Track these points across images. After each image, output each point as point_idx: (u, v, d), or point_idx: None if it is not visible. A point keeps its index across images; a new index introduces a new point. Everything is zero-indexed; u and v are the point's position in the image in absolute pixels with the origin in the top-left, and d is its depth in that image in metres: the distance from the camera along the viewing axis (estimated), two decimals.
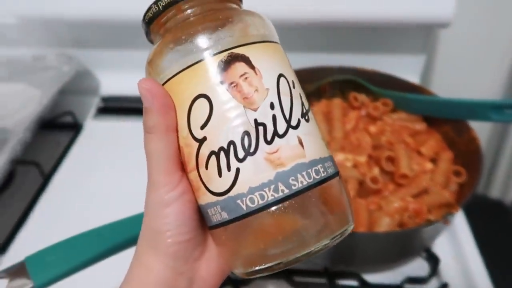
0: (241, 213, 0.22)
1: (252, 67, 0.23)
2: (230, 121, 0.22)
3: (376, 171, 0.47)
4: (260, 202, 0.21)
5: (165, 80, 0.23)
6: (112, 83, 0.73)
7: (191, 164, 0.23)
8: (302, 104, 0.24)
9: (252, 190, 0.21)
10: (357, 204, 0.44)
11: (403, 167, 0.46)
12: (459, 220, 0.51)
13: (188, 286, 0.24)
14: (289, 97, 0.23)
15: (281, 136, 0.22)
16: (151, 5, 0.24)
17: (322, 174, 0.23)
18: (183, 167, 0.24)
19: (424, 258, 0.48)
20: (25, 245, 0.50)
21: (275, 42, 0.25)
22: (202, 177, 0.23)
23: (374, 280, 0.46)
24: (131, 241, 0.31)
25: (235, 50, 0.22)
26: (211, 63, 0.22)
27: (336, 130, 0.52)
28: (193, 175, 0.23)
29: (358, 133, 0.52)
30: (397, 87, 0.56)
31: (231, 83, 0.22)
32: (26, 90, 0.63)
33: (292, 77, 0.24)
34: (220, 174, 0.22)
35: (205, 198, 0.23)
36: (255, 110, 0.22)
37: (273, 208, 0.21)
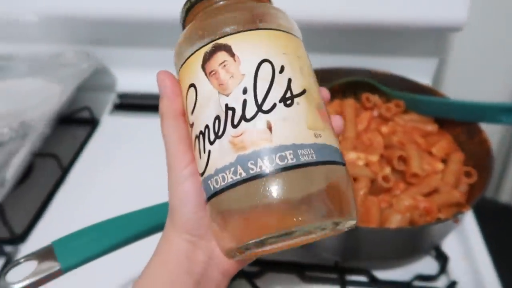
0: (210, 193, 0.23)
1: (232, 54, 0.24)
2: (207, 107, 0.23)
3: (387, 170, 0.48)
4: (222, 183, 0.22)
5: (177, 70, 0.27)
6: (128, 80, 0.74)
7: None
8: (288, 89, 0.23)
9: (217, 172, 0.23)
10: (369, 202, 0.45)
11: (414, 166, 0.47)
12: (469, 220, 0.52)
13: (206, 260, 0.26)
14: (269, 82, 0.23)
15: (248, 120, 0.22)
16: None
17: (289, 161, 0.22)
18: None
19: (434, 257, 0.49)
20: (43, 235, 0.52)
21: (279, 30, 0.25)
22: (195, 158, 0.25)
23: (383, 277, 0.47)
24: (155, 229, 0.32)
25: (219, 41, 0.24)
26: (199, 55, 0.24)
27: (348, 130, 0.53)
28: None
29: (370, 133, 0.53)
30: (409, 89, 0.57)
31: (211, 71, 0.24)
32: (46, 86, 0.65)
33: (285, 62, 0.24)
34: (200, 156, 0.24)
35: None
36: (227, 95, 0.23)
37: (232, 189, 0.22)
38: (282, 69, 0.24)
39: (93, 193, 0.57)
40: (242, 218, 0.22)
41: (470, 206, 0.43)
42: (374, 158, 0.48)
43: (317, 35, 0.67)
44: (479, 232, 0.51)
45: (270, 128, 0.22)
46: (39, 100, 0.62)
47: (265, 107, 0.23)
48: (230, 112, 0.23)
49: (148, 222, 0.32)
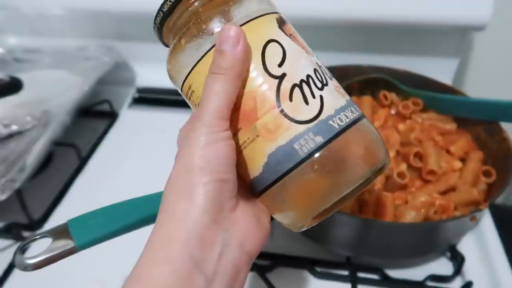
0: (334, 131, 0.24)
1: (293, 31, 0.27)
2: (303, 60, 0.26)
3: (403, 166, 0.47)
4: (347, 120, 0.25)
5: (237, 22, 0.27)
6: (147, 75, 0.76)
7: (266, 104, 0.24)
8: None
9: (337, 112, 0.25)
10: (384, 197, 0.44)
11: (431, 163, 0.46)
12: (487, 221, 0.51)
13: (226, 240, 0.23)
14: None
15: (331, 78, 0.27)
16: None
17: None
18: (242, 115, 0.25)
19: (448, 258, 0.48)
20: (60, 222, 0.53)
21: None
22: (286, 111, 0.24)
23: (396, 276, 0.46)
24: None
25: (280, 15, 0.27)
26: (271, 18, 0.26)
27: None
28: (271, 115, 0.24)
29: (386, 130, 0.52)
30: (429, 88, 0.56)
31: (290, 34, 0.26)
32: (68, 77, 0.67)
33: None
34: (307, 102, 0.25)
35: (291, 133, 0.24)
36: (312, 56, 0.27)
37: (357, 124, 0.25)
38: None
39: (110, 184, 0.58)
40: (365, 145, 0.25)
41: (489, 204, 0.41)
42: (390, 154, 0.47)
43: (337, 33, 0.67)
44: (497, 235, 0.50)
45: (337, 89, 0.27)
46: (61, 90, 0.63)
47: (328, 74, 0.27)
48: (322, 68, 0.27)
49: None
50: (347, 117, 0.25)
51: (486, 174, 0.47)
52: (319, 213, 0.25)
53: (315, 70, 0.26)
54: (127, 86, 0.76)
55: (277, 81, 0.24)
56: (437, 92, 0.55)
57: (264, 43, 0.25)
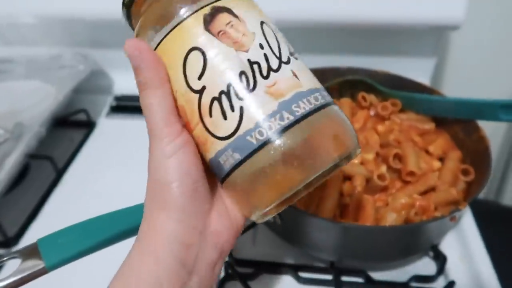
0: (252, 148, 0.23)
1: (235, 16, 0.24)
2: (225, 65, 0.23)
3: (383, 168, 0.47)
4: (269, 132, 0.22)
5: (155, 46, 0.25)
6: (125, 82, 0.74)
7: (194, 118, 0.24)
8: (287, 46, 0.25)
9: (259, 124, 0.23)
10: (364, 200, 0.44)
11: (410, 164, 0.46)
12: (467, 220, 0.51)
13: (200, 241, 0.24)
14: (275, 39, 0.25)
15: (275, 71, 0.24)
16: None
17: (321, 101, 0.24)
18: (184, 123, 0.25)
19: (431, 258, 0.48)
20: (36, 238, 0.51)
21: None
22: (208, 126, 0.24)
23: (380, 278, 0.46)
24: None
25: (217, 4, 0.24)
26: (197, 18, 0.24)
27: None
28: (199, 129, 0.24)
29: (366, 132, 0.52)
30: (407, 88, 0.56)
31: (219, 31, 0.24)
32: (42, 87, 0.65)
33: (273, 25, 0.26)
34: (225, 117, 0.23)
35: (215, 147, 0.24)
36: (246, 51, 0.23)
37: (282, 135, 0.23)
38: (275, 30, 0.26)
39: (88, 196, 0.57)
40: (293, 161, 0.23)
41: (468, 203, 0.42)
42: (370, 156, 0.47)
43: (315, 35, 0.67)
44: (478, 232, 0.50)
45: (295, 75, 0.24)
46: (34, 101, 0.62)
47: (284, 59, 0.24)
48: (255, 66, 0.23)
49: (136, 220, 0.32)
50: (270, 128, 0.22)
51: (465, 173, 0.47)
52: (284, 199, 0.24)
53: (241, 73, 0.23)
54: (104, 94, 0.75)
55: (197, 96, 0.24)
56: (415, 92, 0.56)
57: (185, 53, 0.24)
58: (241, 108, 0.23)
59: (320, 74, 0.57)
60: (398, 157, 0.48)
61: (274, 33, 0.25)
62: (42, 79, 0.67)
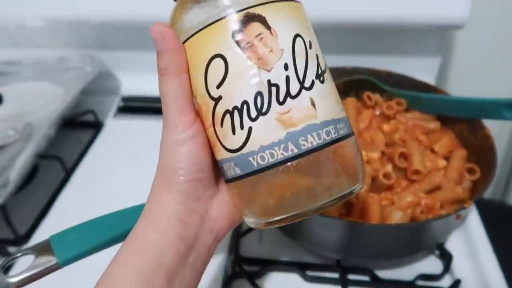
0: (252, 169, 0.23)
1: (268, 27, 0.23)
2: (245, 81, 0.22)
3: (389, 167, 0.47)
4: (270, 160, 0.22)
5: (184, 39, 0.24)
6: (132, 83, 0.75)
7: (208, 121, 0.24)
8: (318, 65, 0.24)
9: (263, 149, 0.23)
10: (370, 199, 0.44)
11: (416, 163, 0.47)
12: (473, 218, 0.51)
13: (199, 223, 0.26)
14: (304, 58, 0.23)
15: (293, 97, 0.23)
16: None
17: (333, 135, 0.23)
18: (196, 111, 0.25)
19: (437, 256, 0.48)
20: (46, 236, 0.52)
21: (295, 1, 0.25)
22: (217, 134, 0.24)
23: (386, 276, 0.46)
24: None
25: (252, 10, 0.23)
26: (228, 23, 0.23)
27: None
28: (210, 131, 0.25)
29: (371, 131, 0.53)
30: (412, 87, 0.57)
31: (247, 43, 0.22)
32: (50, 88, 0.66)
33: (309, 36, 0.24)
34: (234, 132, 0.23)
35: (221, 154, 0.24)
36: (269, 70, 0.22)
37: (282, 166, 0.22)
38: (310, 45, 0.24)
39: (96, 195, 0.57)
40: (289, 192, 0.23)
41: (473, 201, 0.42)
42: (375, 155, 0.48)
43: (320, 35, 0.67)
44: (484, 231, 0.50)
45: (313, 104, 0.23)
46: (43, 102, 0.63)
47: (306, 83, 0.23)
48: (274, 89, 0.22)
49: None
50: (273, 156, 0.22)
51: (470, 171, 0.48)
52: (271, 221, 0.24)
53: (258, 94, 0.22)
54: (111, 95, 0.76)
55: (213, 103, 0.23)
56: (419, 91, 0.56)
57: (209, 58, 0.23)
58: (250, 129, 0.23)
59: None
60: (404, 156, 0.48)
61: (306, 49, 0.24)
62: (50, 81, 0.67)
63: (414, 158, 0.47)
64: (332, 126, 0.23)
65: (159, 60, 0.24)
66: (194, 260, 0.26)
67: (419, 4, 0.60)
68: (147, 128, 0.68)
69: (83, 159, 0.64)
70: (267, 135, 0.22)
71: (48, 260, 0.30)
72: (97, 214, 0.33)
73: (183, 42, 0.24)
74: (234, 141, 0.23)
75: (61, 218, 0.55)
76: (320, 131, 0.23)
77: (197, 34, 0.23)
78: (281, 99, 0.22)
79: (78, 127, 0.69)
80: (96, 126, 0.70)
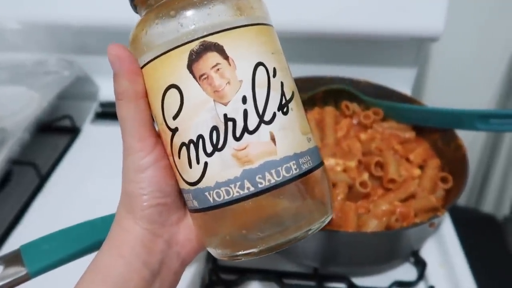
0: (208, 205, 0.22)
1: (226, 57, 0.21)
2: (200, 115, 0.21)
3: (365, 176, 0.48)
4: (226, 197, 0.22)
5: (142, 64, 0.23)
6: (110, 89, 0.72)
7: (168, 149, 0.24)
8: (282, 95, 0.22)
9: (218, 185, 0.22)
10: (346, 207, 0.45)
11: (391, 172, 0.48)
12: (446, 226, 0.52)
13: (165, 248, 0.25)
14: (266, 89, 0.22)
15: (251, 132, 0.21)
16: None
17: (294, 172, 0.22)
18: (158, 135, 0.24)
19: (412, 263, 0.49)
20: (18, 244, 0.51)
21: (262, 24, 0.23)
22: (176, 164, 0.23)
23: (363, 284, 0.47)
24: None
25: (209, 38, 0.21)
26: (183, 53, 0.21)
27: (328, 137, 0.54)
28: (171, 160, 0.24)
29: (349, 140, 0.53)
30: (389, 98, 0.58)
31: (202, 75, 0.21)
32: (26, 93, 0.65)
33: (274, 63, 0.23)
34: (190, 166, 0.22)
35: (181, 184, 0.24)
36: (225, 104, 0.21)
37: (238, 204, 0.21)
38: (274, 73, 0.22)
39: (71, 203, 0.56)
40: (248, 229, 0.22)
41: (446, 210, 0.43)
42: (352, 163, 0.48)
43: (299, 45, 0.68)
44: (457, 239, 0.51)
45: (273, 139, 0.22)
46: (18, 107, 0.61)
47: (266, 117, 0.22)
48: (230, 124, 0.21)
49: None
50: (228, 193, 0.21)
51: (444, 180, 0.49)
52: (235, 255, 0.23)
53: (213, 128, 0.21)
54: (89, 100, 0.74)
55: (171, 134, 0.23)
56: (396, 101, 0.57)
57: (165, 88, 0.22)
58: (206, 164, 0.22)
59: (305, 82, 0.59)
60: (380, 164, 0.49)
61: (269, 79, 0.22)
62: (27, 85, 0.66)
63: (390, 167, 0.48)
64: (294, 162, 0.22)
65: (115, 83, 0.23)
66: (160, 286, 0.25)
67: (397, 17, 0.61)
68: None
69: (59, 165, 0.62)
70: (223, 172, 0.21)
71: (18, 271, 0.29)
72: (72, 222, 0.32)
73: (142, 67, 0.23)
74: (191, 175, 0.22)
75: (34, 226, 0.53)
76: (279, 168, 0.21)
77: (154, 61, 0.22)
78: (237, 134, 0.21)
79: (54, 132, 0.68)
80: (72, 132, 0.69)
